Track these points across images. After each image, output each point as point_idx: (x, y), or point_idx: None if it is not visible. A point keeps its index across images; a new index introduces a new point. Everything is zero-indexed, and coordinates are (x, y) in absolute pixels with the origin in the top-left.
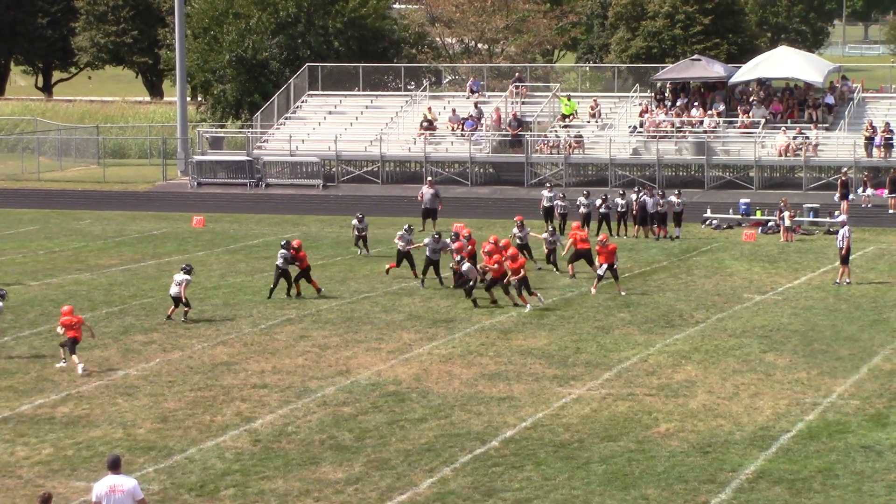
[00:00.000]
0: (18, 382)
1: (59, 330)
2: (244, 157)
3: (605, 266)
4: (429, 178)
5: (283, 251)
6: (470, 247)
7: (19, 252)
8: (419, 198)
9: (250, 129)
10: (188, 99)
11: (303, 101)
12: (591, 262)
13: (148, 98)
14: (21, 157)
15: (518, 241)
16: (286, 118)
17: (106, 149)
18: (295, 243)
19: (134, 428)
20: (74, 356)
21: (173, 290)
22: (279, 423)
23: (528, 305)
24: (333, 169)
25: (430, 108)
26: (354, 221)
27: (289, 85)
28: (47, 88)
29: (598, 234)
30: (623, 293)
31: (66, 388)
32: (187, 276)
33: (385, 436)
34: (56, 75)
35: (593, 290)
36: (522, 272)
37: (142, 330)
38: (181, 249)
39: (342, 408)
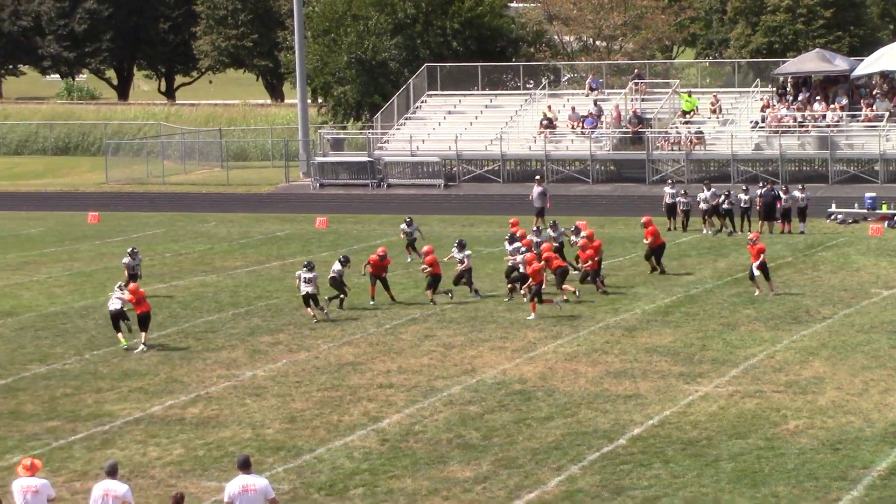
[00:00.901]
0: (149, 384)
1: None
2: (366, 158)
3: (756, 265)
4: (537, 177)
5: (338, 266)
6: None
7: (146, 255)
8: (530, 197)
9: (371, 130)
10: (308, 101)
11: (422, 102)
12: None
13: (269, 101)
14: (146, 161)
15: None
16: (406, 118)
17: (229, 152)
18: (380, 251)
19: (263, 428)
20: (144, 333)
21: (305, 288)
22: (406, 422)
23: (533, 314)
24: (454, 168)
25: (549, 107)
26: (403, 226)
27: (408, 85)
28: (170, 93)
29: (719, 230)
30: (773, 293)
31: (195, 389)
32: (314, 273)
33: (512, 434)
34: (178, 80)
35: (757, 292)
36: (540, 277)
37: (268, 331)
38: (305, 250)
39: (468, 407)
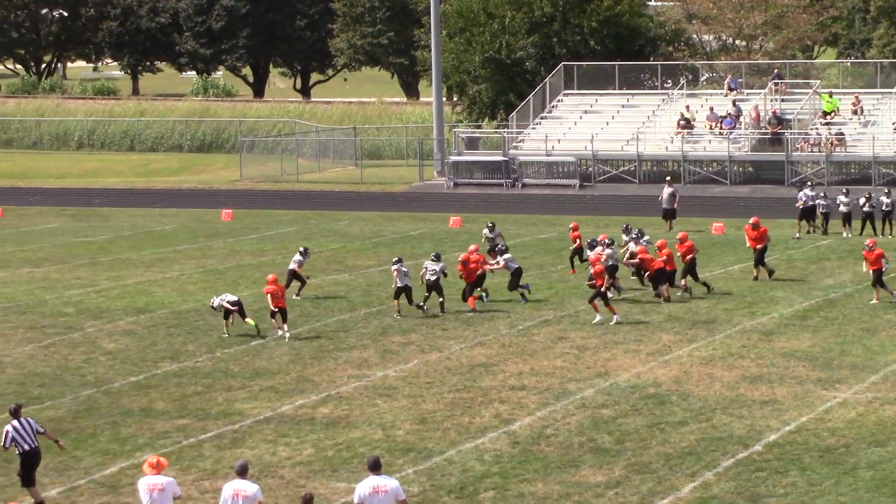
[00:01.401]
0: (279, 383)
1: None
2: (500, 158)
3: (873, 272)
4: (668, 178)
5: (434, 264)
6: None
7: (279, 253)
8: (660, 198)
9: (506, 129)
10: (444, 99)
11: (558, 101)
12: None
13: (404, 99)
14: (280, 159)
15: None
16: (542, 118)
17: (363, 150)
18: (472, 248)
19: (393, 429)
20: (285, 324)
21: (429, 276)
22: (538, 425)
23: (617, 316)
24: (590, 168)
25: (687, 107)
26: (485, 231)
27: (544, 84)
28: (305, 91)
29: (860, 234)
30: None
31: (326, 388)
32: (441, 264)
33: (645, 439)
34: (313, 77)
35: (874, 300)
36: (601, 281)
37: (400, 331)
38: (438, 250)
39: (601, 410)
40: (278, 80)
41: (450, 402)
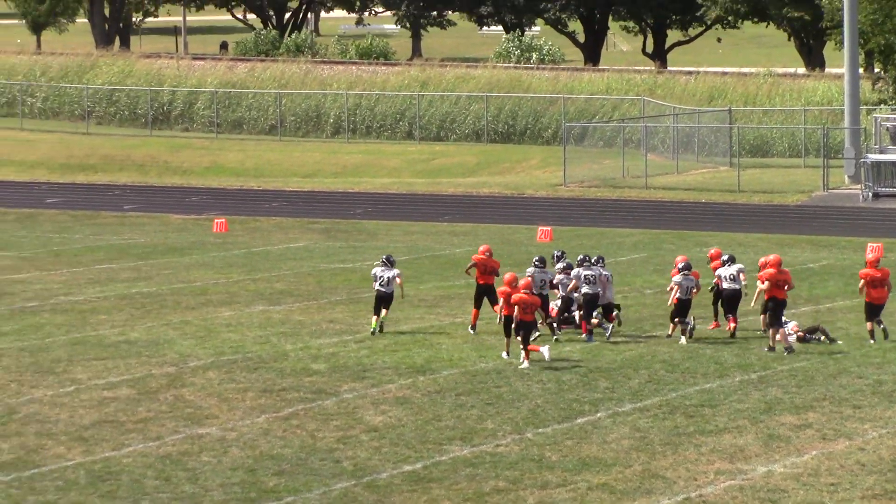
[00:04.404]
0: (617, 478)
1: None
2: None
3: None
4: None
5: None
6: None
7: (617, 287)
8: None
9: None
10: (860, 71)
11: None
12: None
13: (802, 69)
14: (622, 154)
15: None
16: None
17: (742, 143)
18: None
19: None
20: (532, 346)
21: None
22: None
23: None
24: None
25: None
26: None
27: None
28: (659, 56)
29: None
30: None
31: (683, 488)
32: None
33: None
34: (671, 36)
35: None
36: None
37: (792, 408)
38: (847, 290)
39: None
40: (621, 41)
41: None
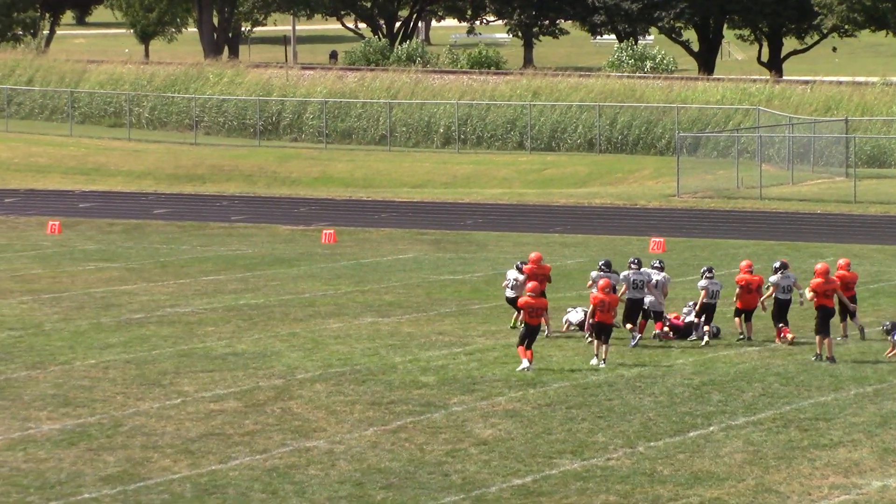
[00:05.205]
0: (730, 492)
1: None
2: None
3: None
4: None
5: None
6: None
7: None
8: None
9: None
10: None
11: None
12: None
13: None
14: (736, 165)
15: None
16: None
17: (860, 153)
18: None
19: None
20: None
21: None
22: None
23: None
24: None
25: None
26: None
27: None
28: (775, 64)
29: None
30: None
31: (795, 502)
32: None
33: None
34: (787, 45)
35: None
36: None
37: None
38: None
39: None
40: (736, 50)
41: None
